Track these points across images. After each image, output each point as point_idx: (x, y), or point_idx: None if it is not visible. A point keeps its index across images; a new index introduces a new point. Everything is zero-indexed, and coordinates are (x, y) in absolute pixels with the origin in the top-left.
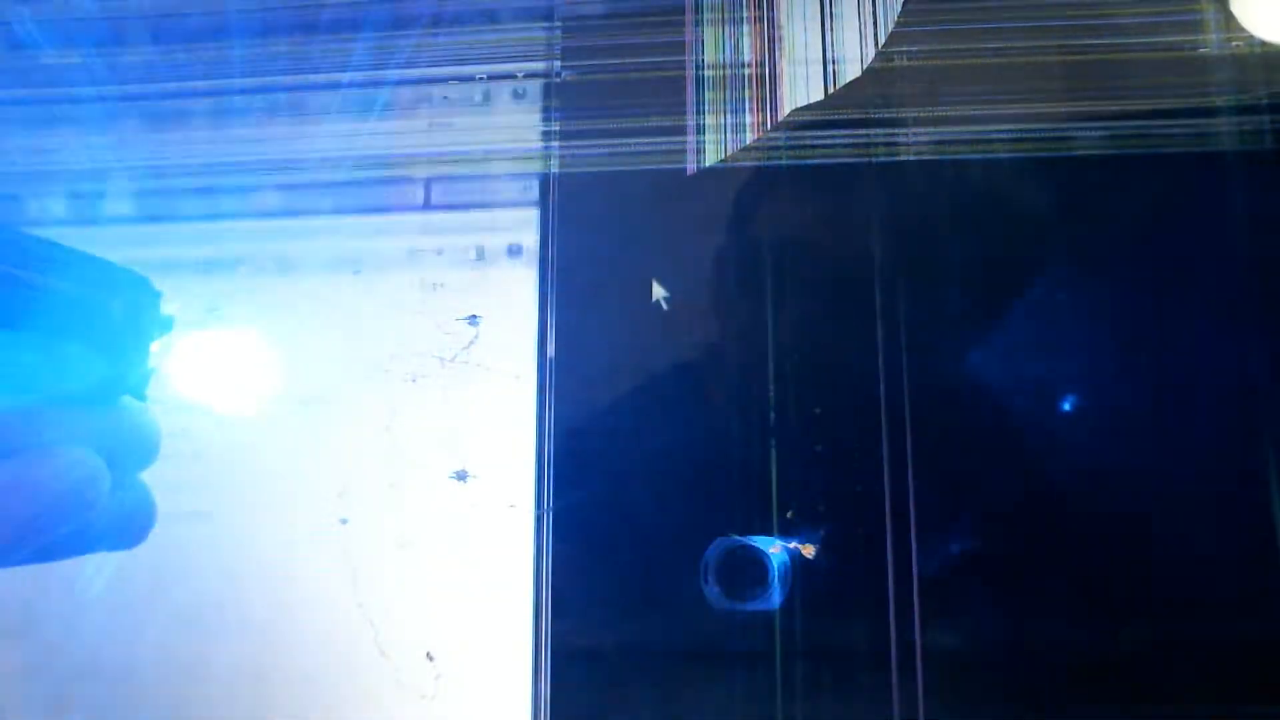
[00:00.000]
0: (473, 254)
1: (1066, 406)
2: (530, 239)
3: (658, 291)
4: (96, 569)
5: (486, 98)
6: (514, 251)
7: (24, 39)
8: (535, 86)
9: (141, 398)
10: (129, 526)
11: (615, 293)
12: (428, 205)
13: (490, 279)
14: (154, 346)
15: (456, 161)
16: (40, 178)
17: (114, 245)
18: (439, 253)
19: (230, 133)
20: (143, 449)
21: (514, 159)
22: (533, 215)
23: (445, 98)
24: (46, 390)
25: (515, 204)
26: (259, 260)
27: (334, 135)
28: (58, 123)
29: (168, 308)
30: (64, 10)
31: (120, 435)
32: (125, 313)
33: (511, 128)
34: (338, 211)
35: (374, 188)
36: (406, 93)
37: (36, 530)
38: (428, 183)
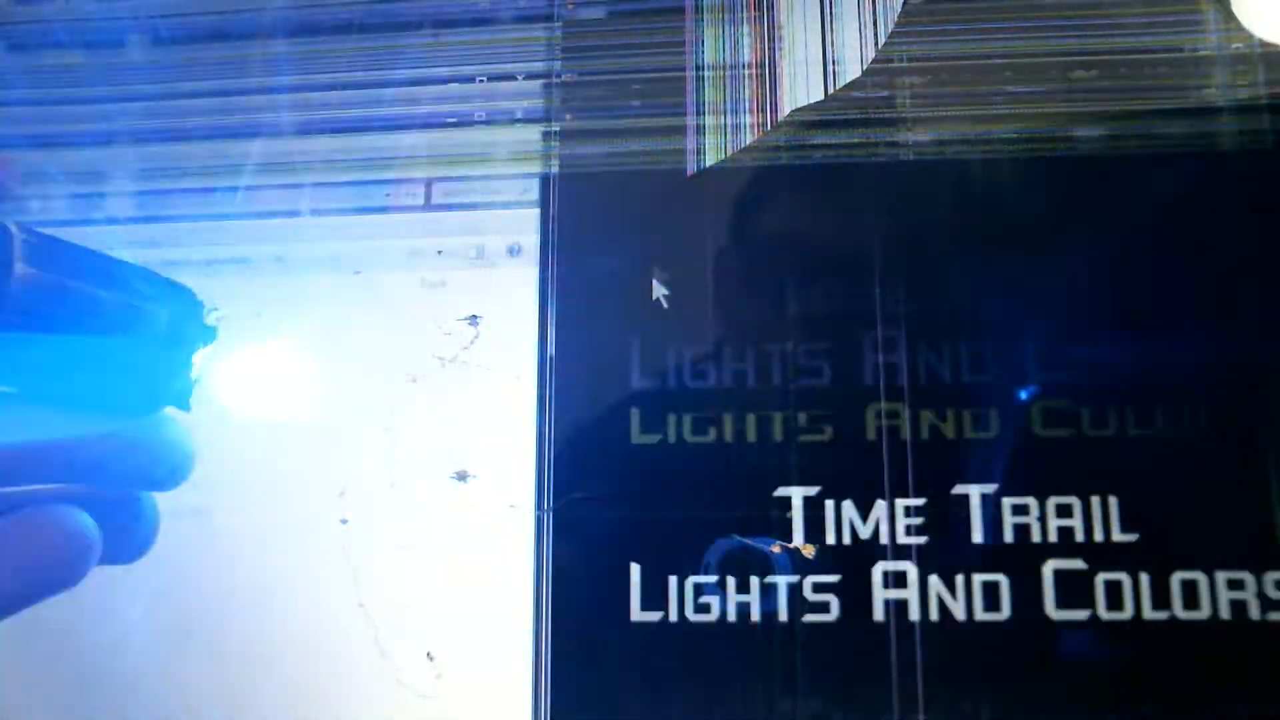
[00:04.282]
0: (473, 253)
1: (1066, 409)
2: (530, 239)
3: (658, 289)
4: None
5: (487, 98)
6: (514, 251)
7: (23, 39)
8: (535, 87)
9: (185, 408)
10: (131, 546)
11: (616, 291)
12: (428, 205)
13: (490, 279)
14: (197, 357)
15: (456, 162)
16: (40, 175)
17: (111, 245)
18: (439, 253)
19: (229, 132)
20: (178, 464)
21: (513, 158)
22: (533, 215)
23: (445, 98)
24: (93, 400)
25: (516, 204)
26: (258, 261)
27: (334, 137)
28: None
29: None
30: (64, 10)
31: (159, 449)
32: (170, 323)
33: (511, 128)
34: (339, 212)
35: (374, 187)
36: (406, 93)
37: (15, 602)
38: (428, 182)
